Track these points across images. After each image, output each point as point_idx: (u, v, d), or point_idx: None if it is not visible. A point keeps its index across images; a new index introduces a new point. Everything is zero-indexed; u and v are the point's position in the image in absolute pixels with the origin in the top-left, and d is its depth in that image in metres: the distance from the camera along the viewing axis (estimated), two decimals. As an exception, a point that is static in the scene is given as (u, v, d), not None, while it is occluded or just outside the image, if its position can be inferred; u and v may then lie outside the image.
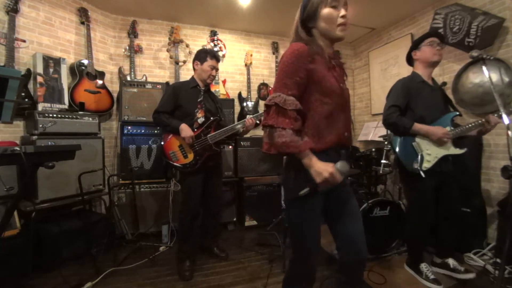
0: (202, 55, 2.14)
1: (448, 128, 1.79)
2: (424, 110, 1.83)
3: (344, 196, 1.14)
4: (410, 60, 2.01)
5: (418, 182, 1.81)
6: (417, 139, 1.83)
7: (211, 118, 2.10)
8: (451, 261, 1.93)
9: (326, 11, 1.04)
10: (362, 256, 1.12)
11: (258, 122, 2.12)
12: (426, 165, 1.79)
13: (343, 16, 1.04)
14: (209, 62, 2.12)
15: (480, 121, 1.75)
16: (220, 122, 2.15)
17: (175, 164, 2.05)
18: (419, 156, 1.80)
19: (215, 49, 3.33)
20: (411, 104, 1.85)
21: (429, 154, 1.80)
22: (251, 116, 2.13)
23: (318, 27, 1.08)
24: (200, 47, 3.38)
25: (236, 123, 2.13)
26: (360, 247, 1.10)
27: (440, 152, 1.79)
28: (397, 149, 1.90)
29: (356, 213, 1.15)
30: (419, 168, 1.78)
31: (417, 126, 1.78)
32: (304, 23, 1.11)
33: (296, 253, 1.15)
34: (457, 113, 1.87)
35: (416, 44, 1.93)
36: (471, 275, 1.84)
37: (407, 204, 2.04)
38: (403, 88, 1.87)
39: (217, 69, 2.18)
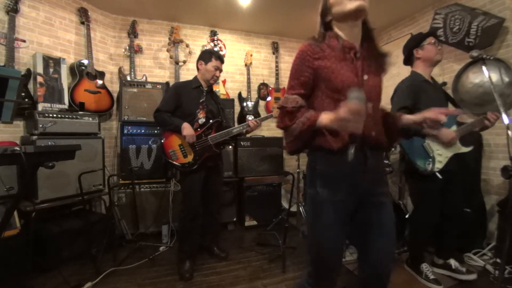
0: (207, 55, 2.15)
1: (454, 127, 1.80)
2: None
3: (378, 209, 1.00)
4: (408, 60, 1.99)
5: (427, 183, 1.80)
6: (427, 140, 1.82)
7: (212, 119, 2.10)
8: (452, 262, 1.93)
9: None
10: (384, 282, 0.99)
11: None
12: (439, 165, 1.78)
13: None
14: (214, 63, 2.12)
15: (481, 117, 1.76)
16: (222, 123, 2.15)
17: (174, 163, 2.05)
18: (431, 157, 1.79)
19: (215, 49, 3.33)
20: (418, 104, 1.82)
21: (440, 154, 1.80)
22: (254, 118, 2.14)
23: (333, 17, 1.00)
24: (200, 47, 3.40)
25: (237, 126, 2.13)
26: (383, 271, 0.99)
27: (449, 152, 1.80)
28: (408, 151, 1.86)
29: (388, 230, 1.01)
30: (433, 170, 1.77)
31: None
32: (323, 20, 1.04)
33: (310, 267, 1.05)
34: (461, 111, 1.88)
35: (418, 42, 1.90)
36: (473, 276, 1.85)
37: (413, 205, 2.01)
38: (409, 88, 1.84)
39: (220, 70, 2.19)
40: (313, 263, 1.04)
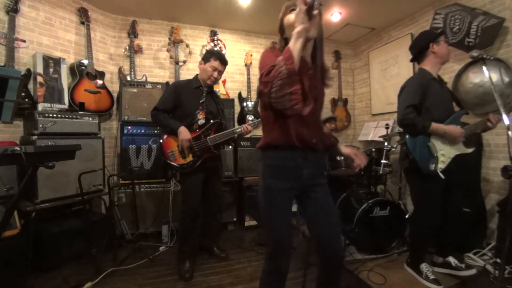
0: (207, 55, 2.12)
1: (458, 128, 1.80)
2: (437, 108, 1.81)
3: (318, 196, 1.18)
4: (419, 55, 1.93)
5: (430, 183, 1.80)
6: (432, 140, 1.81)
7: (212, 120, 2.10)
8: (452, 260, 1.94)
9: (286, 19, 1.10)
10: (338, 256, 1.19)
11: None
12: (441, 165, 1.78)
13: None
14: (212, 63, 2.08)
15: (483, 119, 1.78)
16: (221, 124, 2.14)
17: (172, 163, 2.04)
18: (435, 157, 1.79)
19: (215, 49, 3.33)
20: (426, 102, 1.81)
21: (443, 154, 1.80)
22: (249, 123, 2.14)
23: (288, 36, 1.09)
24: (200, 47, 3.40)
25: (236, 127, 2.13)
26: (335, 248, 1.17)
27: (452, 152, 1.80)
28: (413, 150, 1.84)
29: (331, 213, 1.20)
30: (435, 169, 1.77)
31: (435, 125, 1.75)
32: (282, 37, 1.17)
33: (268, 248, 1.20)
34: (465, 111, 1.88)
35: (435, 37, 1.85)
36: (472, 271, 1.87)
37: (414, 205, 2.01)
38: (418, 86, 1.81)
39: (219, 71, 2.12)
40: (270, 243, 1.19)
